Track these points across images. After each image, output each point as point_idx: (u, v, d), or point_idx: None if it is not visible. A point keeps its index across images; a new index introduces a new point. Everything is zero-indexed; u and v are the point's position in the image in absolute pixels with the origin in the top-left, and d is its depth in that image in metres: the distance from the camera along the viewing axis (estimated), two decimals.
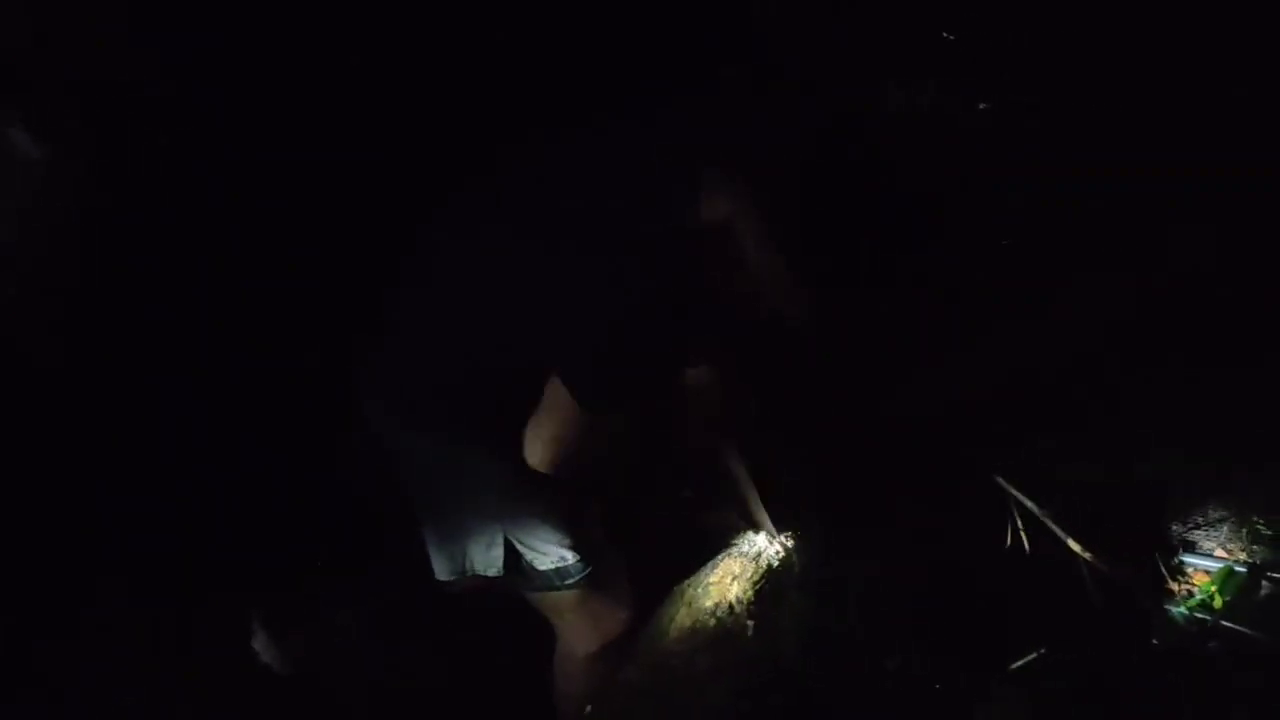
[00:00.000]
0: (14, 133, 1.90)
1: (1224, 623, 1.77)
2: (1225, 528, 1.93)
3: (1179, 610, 1.82)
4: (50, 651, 1.97)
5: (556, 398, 1.62)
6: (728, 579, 1.88)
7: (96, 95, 1.97)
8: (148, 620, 2.04)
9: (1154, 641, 1.80)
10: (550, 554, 1.74)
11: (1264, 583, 1.81)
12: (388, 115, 2.18)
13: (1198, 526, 1.96)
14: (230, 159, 2.07)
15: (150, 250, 2.04)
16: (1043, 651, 1.80)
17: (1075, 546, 1.88)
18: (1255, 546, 1.89)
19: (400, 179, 2.15)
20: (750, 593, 1.85)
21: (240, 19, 2.04)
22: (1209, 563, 1.88)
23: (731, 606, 1.83)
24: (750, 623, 1.81)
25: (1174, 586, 1.87)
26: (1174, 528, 1.97)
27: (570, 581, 1.76)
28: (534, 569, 1.75)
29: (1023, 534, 2.00)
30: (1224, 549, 1.91)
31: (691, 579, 1.91)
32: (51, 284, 2.01)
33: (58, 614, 1.99)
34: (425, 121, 2.18)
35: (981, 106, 2.22)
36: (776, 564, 1.92)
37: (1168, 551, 1.93)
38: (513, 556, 1.74)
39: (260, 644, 2.09)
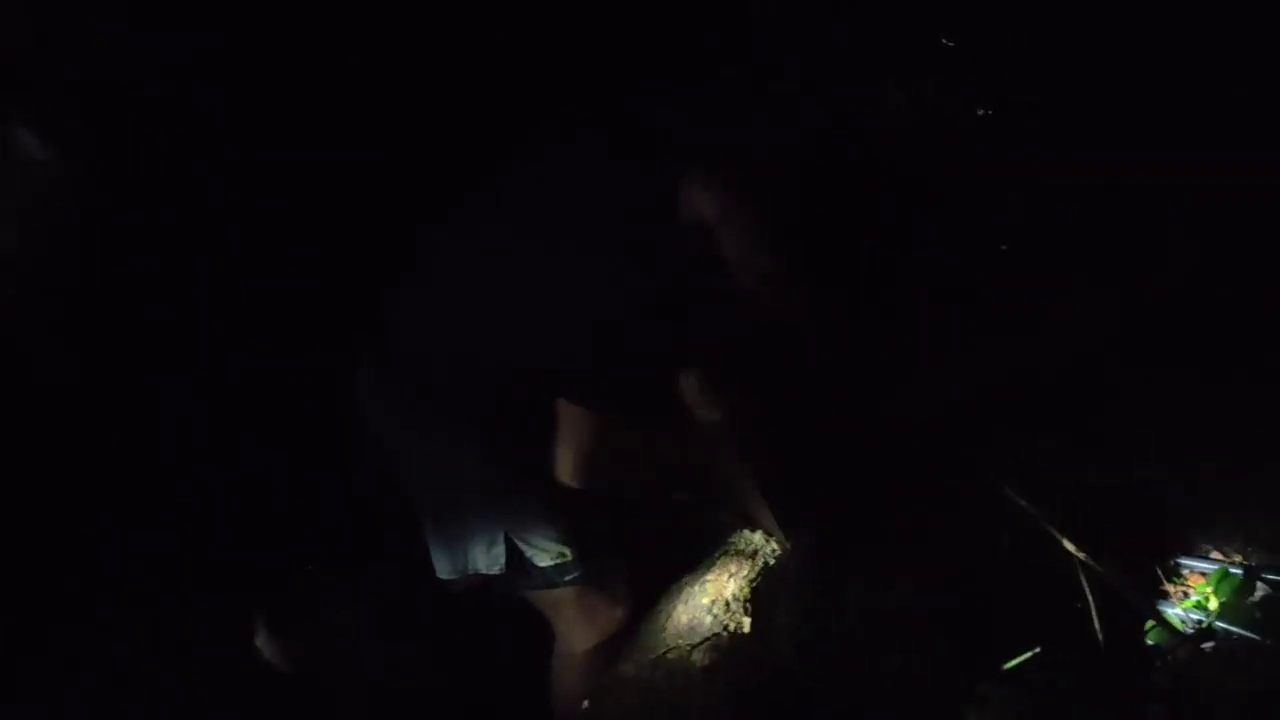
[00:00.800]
0: (20, 132, 1.90)
1: (1220, 624, 1.77)
2: (1222, 529, 1.93)
3: (1175, 611, 1.83)
4: (51, 651, 1.97)
5: (574, 413, 1.64)
6: (725, 576, 1.88)
7: (96, 95, 1.97)
8: (148, 620, 2.04)
9: (1150, 643, 1.80)
10: (550, 551, 1.74)
11: (1259, 584, 1.81)
12: (387, 115, 2.18)
13: (1194, 528, 1.96)
14: (230, 159, 2.07)
15: (150, 250, 2.04)
16: (1040, 652, 1.80)
17: (1071, 547, 1.88)
18: (1251, 548, 1.89)
19: (400, 179, 2.15)
20: (747, 590, 1.86)
21: (240, 19, 2.04)
22: (1205, 564, 1.88)
23: (728, 604, 1.83)
24: (747, 620, 1.81)
25: (1170, 588, 1.87)
26: (1171, 529, 1.97)
27: (569, 578, 1.76)
28: (534, 566, 1.75)
29: (1021, 535, 2.00)
30: (1220, 551, 1.91)
31: (689, 576, 1.92)
32: (52, 284, 2.01)
33: (58, 614, 1.99)
34: (425, 122, 2.18)
35: (982, 108, 2.22)
36: (773, 562, 1.93)
37: (1164, 553, 1.93)
38: (514, 554, 1.74)
39: (262, 643, 2.09)
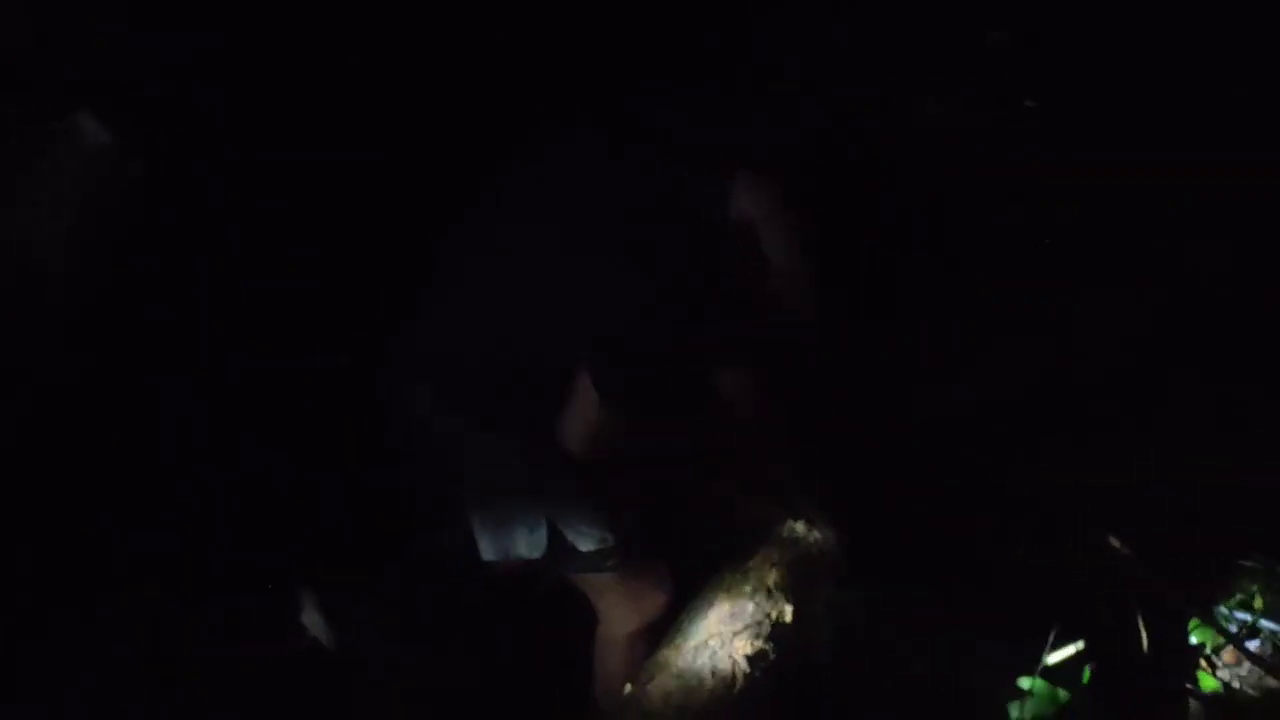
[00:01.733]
0: (83, 120, 1.88)
1: (1265, 623, 1.77)
2: (1267, 527, 1.92)
3: (1220, 609, 1.82)
4: (50, 651, 1.97)
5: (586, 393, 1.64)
6: (768, 564, 1.88)
7: (96, 95, 1.97)
8: (148, 620, 2.04)
9: (1195, 641, 1.79)
10: (592, 536, 1.75)
11: None
12: (388, 115, 2.18)
13: (1238, 525, 1.94)
14: (230, 159, 2.07)
15: (150, 250, 2.04)
16: (1084, 648, 1.79)
17: (1116, 543, 1.87)
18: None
19: (400, 179, 2.15)
20: (789, 578, 1.86)
21: (240, 19, 2.04)
22: (1249, 562, 1.88)
23: (770, 591, 1.82)
24: (789, 608, 1.81)
25: (1213, 586, 1.86)
26: (1213, 527, 1.96)
27: (613, 563, 1.77)
28: (576, 551, 1.76)
29: (1054, 532, 2.00)
30: (1265, 549, 1.89)
31: (732, 562, 1.91)
32: (76, 284, 2.00)
33: (58, 614, 1.99)
34: (426, 122, 2.18)
35: (983, 109, 2.22)
36: (815, 551, 1.93)
37: (1207, 551, 1.92)
38: (556, 539, 1.74)
39: (313, 629, 2.10)
